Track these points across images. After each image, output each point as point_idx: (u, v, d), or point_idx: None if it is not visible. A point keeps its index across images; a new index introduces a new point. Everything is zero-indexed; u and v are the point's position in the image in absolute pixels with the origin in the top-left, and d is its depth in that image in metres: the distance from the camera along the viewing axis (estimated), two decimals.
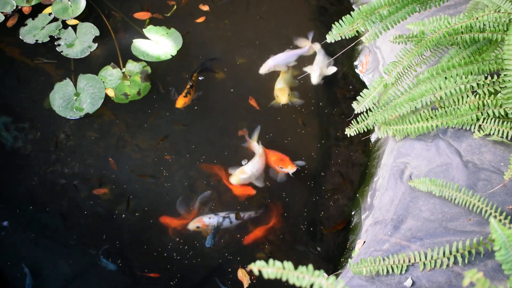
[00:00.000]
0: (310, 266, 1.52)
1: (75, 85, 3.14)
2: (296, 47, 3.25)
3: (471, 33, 2.45)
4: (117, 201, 2.84)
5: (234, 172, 2.86)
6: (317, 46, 3.15)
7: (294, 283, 1.51)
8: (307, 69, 3.09)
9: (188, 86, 3.05)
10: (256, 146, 2.91)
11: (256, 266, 1.51)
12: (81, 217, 2.79)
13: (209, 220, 2.75)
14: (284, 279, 1.54)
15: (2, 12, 3.44)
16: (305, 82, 3.11)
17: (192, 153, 2.96)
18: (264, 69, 3.18)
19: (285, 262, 1.54)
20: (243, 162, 2.91)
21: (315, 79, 3.01)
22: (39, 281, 2.64)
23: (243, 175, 2.83)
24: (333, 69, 3.08)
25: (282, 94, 3.07)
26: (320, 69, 3.01)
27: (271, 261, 1.50)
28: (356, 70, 3.17)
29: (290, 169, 2.79)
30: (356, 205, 2.74)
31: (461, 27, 2.44)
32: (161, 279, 2.64)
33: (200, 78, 3.16)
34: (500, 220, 2.14)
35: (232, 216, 2.76)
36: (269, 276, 1.53)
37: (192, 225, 2.74)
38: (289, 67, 3.20)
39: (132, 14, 3.45)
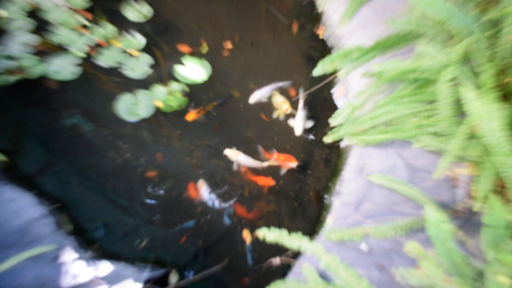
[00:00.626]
0: (299, 233, 1.52)
1: (134, 97, 3.10)
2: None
3: (415, 73, 2.43)
4: (162, 180, 2.80)
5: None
6: (300, 103, 3.03)
7: (287, 245, 1.51)
8: (291, 122, 2.99)
9: (201, 108, 3.00)
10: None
11: (261, 232, 1.51)
12: (135, 189, 2.77)
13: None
14: (280, 242, 1.54)
15: (87, 45, 3.42)
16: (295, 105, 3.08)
17: (217, 147, 2.93)
18: (252, 100, 3.09)
19: (282, 230, 1.53)
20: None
21: (298, 132, 2.91)
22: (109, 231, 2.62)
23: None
24: (310, 123, 2.99)
25: (284, 104, 3.04)
26: (301, 123, 2.92)
27: (272, 229, 1.50)
28: (332, 96, 3.13)
29: (294, 164, 2.76)
30: (329, 191, 2.71)
31: (409, 69, 2.42)
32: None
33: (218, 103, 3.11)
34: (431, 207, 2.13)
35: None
36: (270, 240, 1.53)
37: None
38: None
39: (177, 48, 3.42)
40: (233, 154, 2.80)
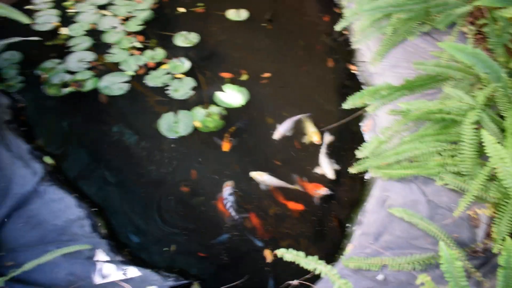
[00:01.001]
0: (316, 257, 1.60)
1: (176, 116, 3.28)
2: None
3: (441, 114, 2.48)
4: (194, 195, 2.94)
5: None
6: (323, 148, 3.08)
7: (303, 266, 1.59)
8: (318, 170, 3.00)
9: (227, 135, 3.14)
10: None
11: (280, 252, 1.60)
12: (174, 200, 2.91)
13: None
14: (297, 263, 1.62)
15: (136, 65, 3.66)
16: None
17: (246, 166, 3.05)
18: (277, 135, 3.16)
19: (299, 252, 1.61)
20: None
21: (330, 175, 2.94)
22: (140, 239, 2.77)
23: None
24: (337, 166, 3.00)
25: (315, 135, 3.14)
26: (329, 167, 2.96)
27: (290, 250, 1.58)
28: (361, 129, 3.21)
29: (323, 191, 2.85)
30: (351, 220, 2.76)
31: (435, 109, 2.48)
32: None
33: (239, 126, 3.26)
34: (446, 243, 2.17)
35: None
36: (288, 259, 1.61)
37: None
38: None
39: (218, 74, 3.61)
40: (258, 175, 2.91)
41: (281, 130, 3.18)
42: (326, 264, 1.67)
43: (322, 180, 2.94)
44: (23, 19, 2.52)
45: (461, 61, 2.39)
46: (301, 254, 1.44)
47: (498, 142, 2.01)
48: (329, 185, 2.91)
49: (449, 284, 1.57)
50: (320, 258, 1.78)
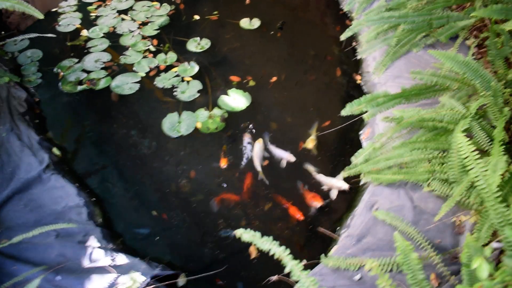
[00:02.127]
0: (270, 238, 1.62)
1: (179, 116, 3.40)
2: None
3: (433, 122, 2.50)
4: (193, 192, 3.02)
5: None
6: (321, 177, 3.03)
7: (260, 247, 1.62)
8: (325, 186, 2.98)
9: (223, 152, 3.19)
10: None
11: (239, 232, 1.64)
12: (169, 194, 3.00)
13: None
14: (254, 243, 1.65)
15: (148, 67, 3.82)
16: (326, 139, 3.20)
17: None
18: (284, 164, 3.12)
19: (256, 232, 1.64)
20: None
21: (344, 186, 2.89)
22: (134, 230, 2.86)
23: None
24: (343, 185, 2.91)
25: (311, 142, 3.19)
26: (337, 182, 2.93)
27: (248, 229, 1.62)
28: (360, 136, 3.23)
29: (318, 203, 2.86)
30: (341, 224, 2.78)
31: (428, 117, 2.50)
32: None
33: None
34: (426, 250, 2.16)
35: None
36: (245, 240, 1.65)
37: None
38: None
39: (226, 78, 3.73)
40: (258, 143, 3.12)
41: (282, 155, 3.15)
42: (279, 246, 1.64)
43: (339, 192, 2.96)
44: (38, 14, 2.70)
45: (455, 71, 2.40)
46: (258, 234, 1.49)
47: (481, 150, 2.01)
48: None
49: (407, 276, 1.59)
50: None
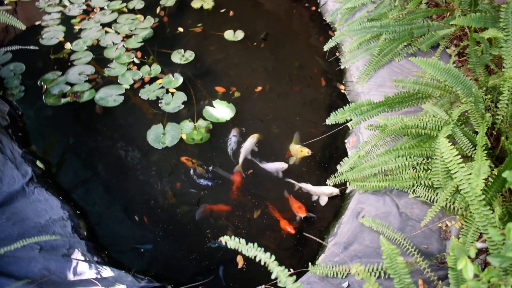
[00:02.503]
0: (255, 244, 1.61)
1: (164, 128, 3.38)
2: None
3: (417, 129, 2.52)
4: (179, 202, 3.00)
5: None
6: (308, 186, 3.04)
7: (245, 253, 1.60)
8: (314, 196, 2.99)
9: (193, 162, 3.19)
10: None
11: (224, 239, 1.63)
12: (156, 207, 2.97)
13: None
14: (239, 250, 1.63)
15: (133, 79, 3.81)
16: (312, 148, 3.21)
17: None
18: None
19: (241, 239, 1.63)
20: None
21: (335, 191, 2.91)
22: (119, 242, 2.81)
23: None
24: (333, 190, 2.93)
25: (300, 153, 3.18)
26: (324, 197, 2.95)
27: (233, 237, 1.60)
28: (345, 145, 3.25)
29: (302, 215, 2.84)
30: (328, 232, 2.78)
31: (411, 124, 2.52)
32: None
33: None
34: (413, 255, 2.17)
35: None
36: (231, 247, 1.63)
37: None
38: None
39: (210, 89, 3.73)
40: (252, 138, 3.22)
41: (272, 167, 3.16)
42: (265, 253, 1.62)
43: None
44: (20, 25, 2.68)
45: (437, 78, 2.44)
46: (243, 241, 1.48)
47: (465, 155, 2.04)
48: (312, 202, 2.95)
49: (394, 280, 1.59)
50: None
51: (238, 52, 4.15)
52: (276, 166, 3.13)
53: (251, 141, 3.23)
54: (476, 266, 1.19)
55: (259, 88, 3.75)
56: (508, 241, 1.11)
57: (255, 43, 4.22)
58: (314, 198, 2.96)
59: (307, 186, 2.99)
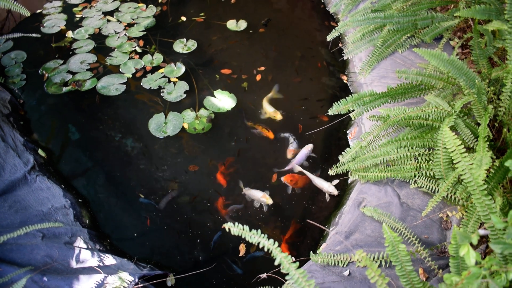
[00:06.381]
0: (259, 231, 1.61)
1: (165, 117, 3.39)
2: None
3: (419, 120, 2.53)
4: (180, 192, 3.02)
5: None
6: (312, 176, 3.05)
7: (249, 240, 1.61)
8: (320, 188, 2.99)
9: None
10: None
11: (227, 226, 1.64)
12: (156, 194, 2.99)
13: None
14: (243, 236, 1.64)
15: (135, 68, 3.81)
16: (315, 136, 3.22)
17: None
18: (296, 168, 3.12)
19: (245, 226, 1.64)
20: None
21: (334, 192, 2.91)
22: (121, 230, 2.83)
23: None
24: (333, 191, 2.92)
25: (275, 114, 3.34)
26: (329, 187, 2.94)
27: (236, 224, 1.61)
28: (347, 135, 3.27)
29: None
30: (329, 222, 2.80)
31: (413, 115, 2.53)
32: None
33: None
34: (414, 244, 2.19)
35: None
36: (234, 233, 1.64)
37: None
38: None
39: (212, 79, 3.73)
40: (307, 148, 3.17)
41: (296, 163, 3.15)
42: (268, 239, 1.63)
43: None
44: (24, 11, 2.68)
45: (444, 71, 2.45)
46: (246, 228, 1.49)
47: (467, 146, 2.05)
48: (313, 187, 2.97)
49: (396, 268, 1.61)
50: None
51: (240, 42, 4.15)
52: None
53: (305, 152, 3.15)
54: (477, 254, 1.22)
55: (261, 78, 3.75)
56: (510, 228, 1.13)
57: (258, 33, 4.22)
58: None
59: (310, 175, 3.01)
